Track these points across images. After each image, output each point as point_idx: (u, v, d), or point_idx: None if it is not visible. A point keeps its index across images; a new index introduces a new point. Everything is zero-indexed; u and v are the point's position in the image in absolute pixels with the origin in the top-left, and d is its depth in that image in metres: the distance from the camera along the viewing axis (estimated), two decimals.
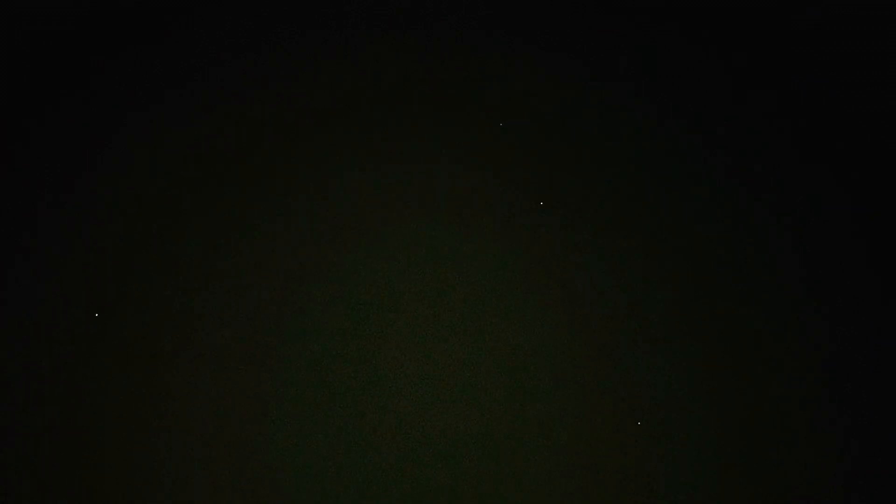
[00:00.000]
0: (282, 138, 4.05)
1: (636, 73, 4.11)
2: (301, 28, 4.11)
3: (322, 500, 3.66)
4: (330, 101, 4.09)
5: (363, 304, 3.89)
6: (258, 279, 3.90)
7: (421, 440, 3.72)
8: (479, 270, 3.93)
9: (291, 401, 3.76)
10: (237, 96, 4.09)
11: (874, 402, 3.80)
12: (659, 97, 4.12)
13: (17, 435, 3.70)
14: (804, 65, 4.15)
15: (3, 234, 3.90)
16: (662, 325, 3.87)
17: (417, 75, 4.11)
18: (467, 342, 3.85)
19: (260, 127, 4.07)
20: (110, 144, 4.03)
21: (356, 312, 3.88)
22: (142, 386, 3.76)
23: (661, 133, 4.08)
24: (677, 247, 3.95)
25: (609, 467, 3.73)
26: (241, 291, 3.88)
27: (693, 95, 4.11)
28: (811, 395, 3.81)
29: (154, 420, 3.73)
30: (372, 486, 3.67)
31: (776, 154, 4.06)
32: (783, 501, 3.71)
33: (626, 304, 3.91)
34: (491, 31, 4.13)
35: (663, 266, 3.94)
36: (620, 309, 3.90)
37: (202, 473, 3.70)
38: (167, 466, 3.69)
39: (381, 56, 4.11)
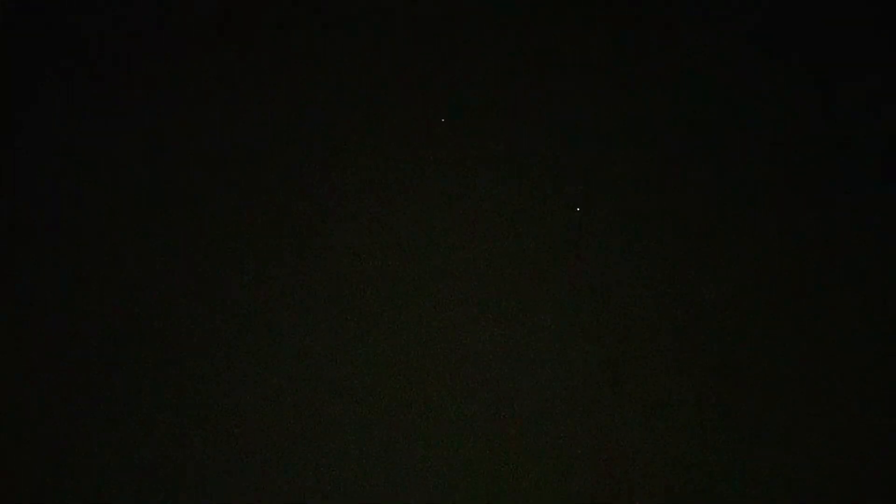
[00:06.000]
0: (289, 134, 4.02)
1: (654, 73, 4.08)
2: (317, 19, 4.10)
3: (331, 494, 3.65)
4: (339, 96, 4.07)
5: (369, 302, 3.86)
6: (262, 278, 3.88)
7: (428, 436, 3.70)
8: (486, 270, 3.91)
9: (296, 398, 3.74)
10: (243, 93, 4.07)
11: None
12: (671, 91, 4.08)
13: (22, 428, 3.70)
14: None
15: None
16: (674, 325, 3.83)
17: (431, 70, 4.09)
18: (480, 337, 3.83)
19: (267, 122, 4.04)
20: (113, 142, 4.02)
21: (362, 310, 3.85)
22: (151, 379, 3.75)
23: (670, 133, 4.05)
24: (692, 248, 3.92)
25: (613, 465, 3.70)
26: (247, 292, 3.86)
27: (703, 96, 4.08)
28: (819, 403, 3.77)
29: (170, 417, 3.72)
30: (373, 485, 3.66)
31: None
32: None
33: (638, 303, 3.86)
34: (506, 25, 4.12)
35: (676, 266, 3.90)
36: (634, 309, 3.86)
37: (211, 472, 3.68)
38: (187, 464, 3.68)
39: (390, 50, 4.09)
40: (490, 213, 3.92)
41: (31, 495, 3.62)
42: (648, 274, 3.84)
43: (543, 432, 3.70)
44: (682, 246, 3.89)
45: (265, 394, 3.72)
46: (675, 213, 3.91)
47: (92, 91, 4.04)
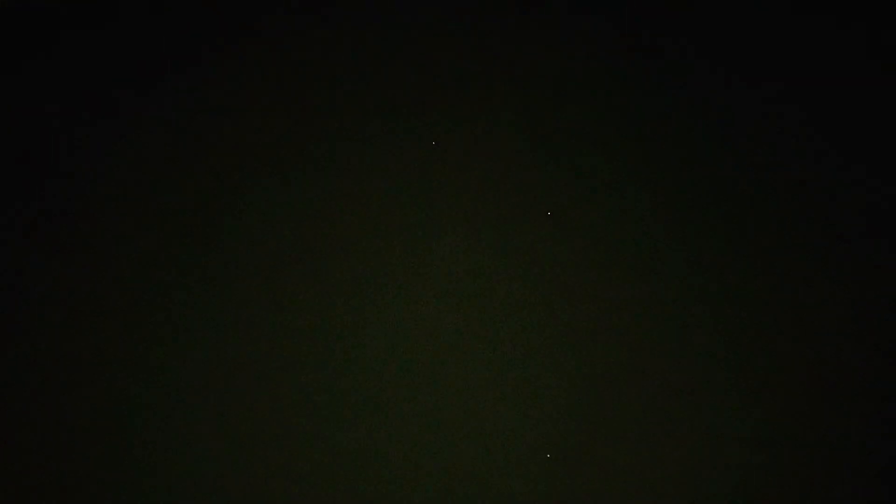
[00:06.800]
0: (288, 135, 4.02)
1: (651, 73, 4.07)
2: (312, 18, 4.08)
3: (328, 497, 3.67)
4: (332, 98, 4.06)
5: (366, 304, 3.87)
6: (258, 277, 3.88)
7: (428, 439, 3.71)
8: (486, 272, 3.91)
9: (294, 399, 3.75)
10: (234, 88, 4.07)
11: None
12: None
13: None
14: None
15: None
16: (677, 325, 3.84)
17: (424, 74, 4.09)
18: (475, 342, 3.84)
19: (259, 120, 4.04)
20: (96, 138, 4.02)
21: (356, 311, 3.86)
22: (134, 384, 3.77)
23: (668, 134, 4.05)
24: (693, 252, 3.93)
25: (614, 467, 3.72)
26: (240, 291, 3.87)
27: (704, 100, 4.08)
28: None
29: (149, 419, 3.73)
30: (373, 485, 3.68)
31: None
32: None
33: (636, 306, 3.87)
34: (499, 27, 4.11)
35: (681, 269, 3.91)
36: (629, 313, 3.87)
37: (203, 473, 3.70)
38: (167, 467, 3.69)
39: (386, 53, 4.09)
40: (479, 219, 3.93)
41: (30, 495, 3.65)
42: (634, 273, 3.86)
43: (529, 431, 3.72)
44: (673, 245, 3.91)
45: (260, 394, 3.73)
46: (657, 212, 3.93)
47: (91, 91, 4.05)
